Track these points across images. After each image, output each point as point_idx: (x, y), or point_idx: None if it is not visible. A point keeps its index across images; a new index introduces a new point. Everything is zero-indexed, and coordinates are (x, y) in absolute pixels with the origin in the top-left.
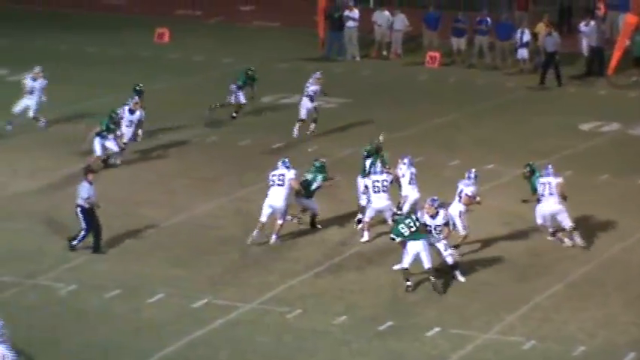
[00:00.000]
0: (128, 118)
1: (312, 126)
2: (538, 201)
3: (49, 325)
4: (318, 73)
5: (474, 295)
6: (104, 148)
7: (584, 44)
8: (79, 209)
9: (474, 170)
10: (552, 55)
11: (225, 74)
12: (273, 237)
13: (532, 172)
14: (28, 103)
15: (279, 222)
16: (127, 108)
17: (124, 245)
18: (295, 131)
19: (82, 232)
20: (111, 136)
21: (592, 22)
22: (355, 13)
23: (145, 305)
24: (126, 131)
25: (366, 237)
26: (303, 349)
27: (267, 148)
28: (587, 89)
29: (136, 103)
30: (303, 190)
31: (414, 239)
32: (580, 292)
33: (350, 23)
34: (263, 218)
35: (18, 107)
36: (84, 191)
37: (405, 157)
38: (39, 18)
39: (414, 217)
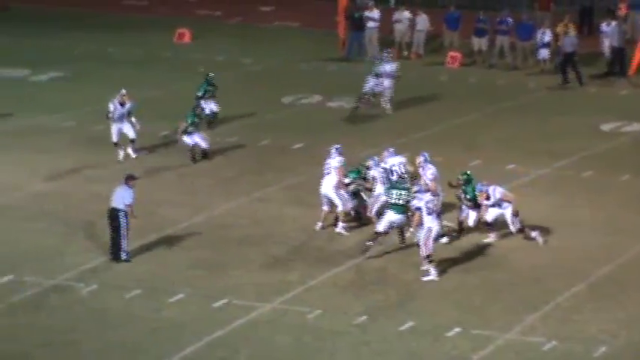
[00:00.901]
0: (119, 111)
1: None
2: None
3: (69, 325)
4: (390, 49)
5: (494, 296)
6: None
7: (606, 44)
8: (122, 214)
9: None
10: (570, 55)
11: (247, 74)
12: (339, 225)
13: (468, 181)
14: None
15: (339, 210)
16: (116, 102)
17: (145, 245)
18: (388, 110)
19: (123, 238)
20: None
21: (613, 23)
22: (375, 13)
23: (165, 305)
24: (124, 125)
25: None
26: (323, 349)
27: (288, 148)
28: (608, 89)
29: (124, 95)
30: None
31: (395, 211)
32: (601, 293)
33: (370, 24)
34: (323, 207)
35: None
36: (129, 197)
37: (371, 160)
38: (61, 18)
39: (410, 192)
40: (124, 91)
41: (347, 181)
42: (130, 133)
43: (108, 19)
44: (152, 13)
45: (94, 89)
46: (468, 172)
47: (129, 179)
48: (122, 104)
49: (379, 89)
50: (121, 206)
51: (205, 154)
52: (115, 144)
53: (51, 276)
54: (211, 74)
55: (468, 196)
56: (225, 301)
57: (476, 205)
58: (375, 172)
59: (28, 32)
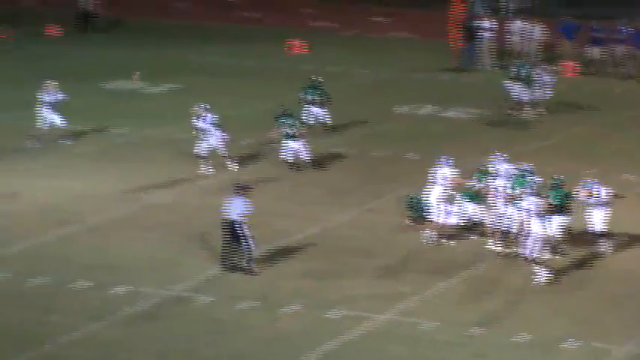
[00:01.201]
0: (200, 126)
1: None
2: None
3: (184, 335)
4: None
5: (611, 307)
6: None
7: None
8: (239, 225)
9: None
10: None
11: (360, 84)
12: (427, 232)
13: (553, 186)
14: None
15: (435, 220)
16: (193, 119)
17: (260, 256)
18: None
19: (246, 247)
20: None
21: None
22: (490, 23)
23: (279, 316)
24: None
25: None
26: None
27: (401, 158)
28: None
29: (197, 111)
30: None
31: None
32: None
33: (485, 34)
34: (428, 216)
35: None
36: (245, 207)
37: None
38: (175, 30)
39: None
40: (197, 107)
41: (470, 184)
42: (219, 148)
43: (223, 30)
44: (268, 24)
45: (208, 101)
46: (561, 176)
47: (243, 189)
48: (201, 118)
49: (526, 97)
50: (235, 217)
51: (312, 164)
52: (199, 156)
53: (167, 286)
54: (314, 78)
55: (554, 202)
56: (339, 311)
57: (561, 211)
58: (499, 182)
59: (145, 44)
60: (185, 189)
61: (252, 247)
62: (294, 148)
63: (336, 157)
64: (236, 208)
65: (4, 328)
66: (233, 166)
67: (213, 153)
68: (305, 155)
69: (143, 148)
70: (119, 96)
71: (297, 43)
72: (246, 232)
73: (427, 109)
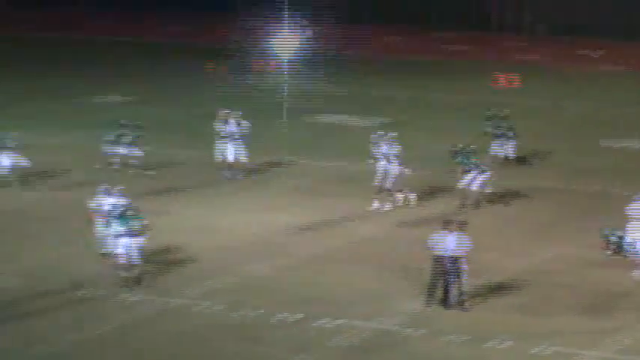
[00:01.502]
0: (381, 155)
1: None
2: None
3: None
4: None
5: None
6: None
7: None
8: (460, 260)
9: None
10: None
11: (567, 118)
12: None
13: None
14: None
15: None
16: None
17: (468, 291)
18: None
19: (458, 281)
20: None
21: None
22: None
23: (490, 352)
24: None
25: None
26: None
27: (609, 193)
28: None
29: (390, 138)
30: None
31: None
32: None
33: None
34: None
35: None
36: (461, 243)
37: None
38: (383, 64)
39: None
40: (375, 136)
41: None
42: (394, 180)
43: (430, 65)
44: (473, 57)
45: (413, 135)
46: None
47: (457, 224)
48: (380, 146)
49: None
50: (450, 252)
51: (475, 203)
52: (388, 189)
53: (377, 320)
54: (490, 111)
55: None
56: (547, 347)
57: None
58: None
59: (353, 78)
60: (391, 222)
61: (465, 281)
62: (480, 182)
63: (541, 190)
64: (450, 243)
65: (214, 359)
66: (409, 200)
67: (407, 184)
68: (478, 188)
69: (349, 181)
70: (326, 130)
71: (504, 76)
72: (462, 266)
73: (637, 144)
